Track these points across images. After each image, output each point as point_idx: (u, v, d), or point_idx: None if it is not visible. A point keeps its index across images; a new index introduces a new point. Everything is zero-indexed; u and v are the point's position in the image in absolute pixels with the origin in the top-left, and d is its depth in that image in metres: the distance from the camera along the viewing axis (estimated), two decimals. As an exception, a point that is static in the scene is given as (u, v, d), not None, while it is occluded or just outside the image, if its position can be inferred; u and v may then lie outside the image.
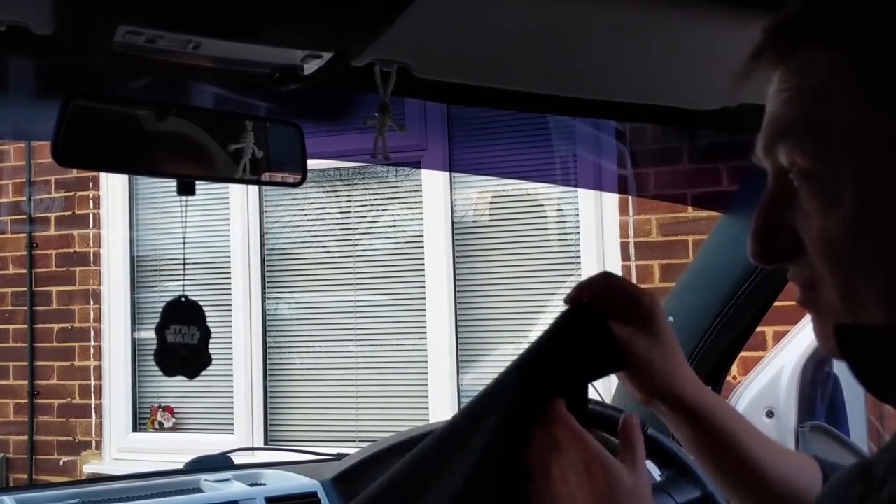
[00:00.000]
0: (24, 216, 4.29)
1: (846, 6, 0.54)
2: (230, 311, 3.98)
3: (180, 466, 1.49)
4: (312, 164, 0.96)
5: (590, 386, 0.86)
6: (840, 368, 1.95)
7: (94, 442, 4.14)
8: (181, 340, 0.94)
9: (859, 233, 0.51)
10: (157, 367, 0.95)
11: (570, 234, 3.61)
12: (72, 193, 4.21)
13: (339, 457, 1.54)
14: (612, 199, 3.46)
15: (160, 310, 0.99)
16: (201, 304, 1.01)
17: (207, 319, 0.98)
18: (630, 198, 3.39)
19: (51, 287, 4.22)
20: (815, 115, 0.53)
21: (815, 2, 0.55)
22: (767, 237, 0.57)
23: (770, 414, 1.73)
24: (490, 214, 3.74)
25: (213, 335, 0.98)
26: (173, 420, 4.11)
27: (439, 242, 3.70)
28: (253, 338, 3.97)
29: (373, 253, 3.91)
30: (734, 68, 0.63)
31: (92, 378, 4.15)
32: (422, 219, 3.76)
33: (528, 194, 3.70)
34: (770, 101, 0.57)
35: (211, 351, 0.96)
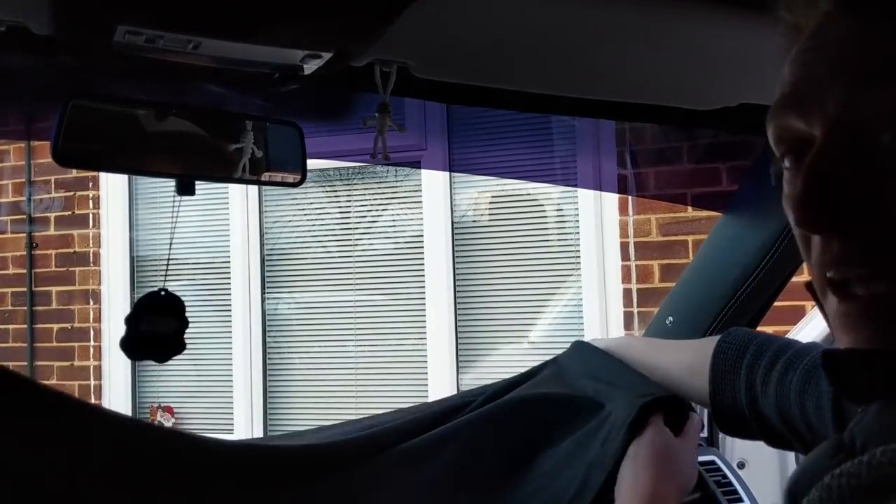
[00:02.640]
0: (24, 216, 4.29)
1: None
2: (230, 310, 3.98)
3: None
4: (312, 164, 0.96)
5: None
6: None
7: (93, 442, 4.14)
8: (153, 328, 0.94)
9: None
10: (130, 357, 0.94)
11: (570, 234, 3.61)
12: (72, 193, 4.21)
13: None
14: (612, 199, 3.47)
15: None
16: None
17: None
18: (630, 198, 3.39)
19: (50, 287, 4.22)
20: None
21: None
22: (817, 199, 0.49)
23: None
24: (490, 214, 3.74)
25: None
26: (173, 420, 4.11)
27: (439, 242, 3.70)
28: (253, 338, 3.97)
29: (373, 253, 3.91)
30: (734, 68, 0.63)
31: (92, 378, 4.15)
32: (422, 219, 3.76)
33: (528, 194, 3.70)
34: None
35: (186, 340, 0.96)
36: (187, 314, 0.94)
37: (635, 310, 3.39)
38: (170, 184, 0.90)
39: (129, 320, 0.90)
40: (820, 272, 0.52)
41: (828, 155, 0.49)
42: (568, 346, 1.25)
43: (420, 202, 3.78)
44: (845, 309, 0.50)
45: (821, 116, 0.50)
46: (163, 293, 0.93)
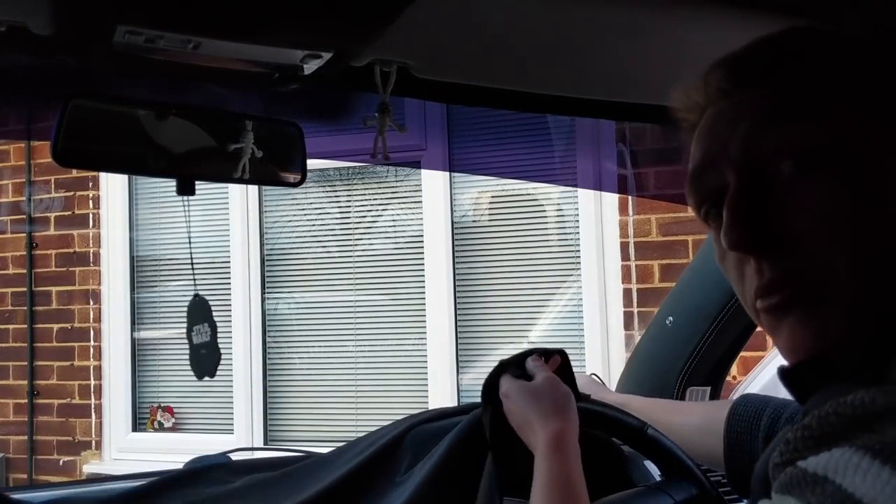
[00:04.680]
0: (24, 216, 4.29)
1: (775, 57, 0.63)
2: (230, 311, 3.97)
3: (180, 466, 1.48)
4: (312, 164, 0.96)
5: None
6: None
7: (93, 442, 4.15)
8: (200, 340, 0.93)
9: (832, 237, 0.58)
10: (191, 371, 0.93)
11: (570, 234, 3.61)
12: (72, 193, 4.21)
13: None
14: (612, 199, 3.46)
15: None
16: (206, 299, 1.00)
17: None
18: (630, 198, 3.39)
19: (50, 287, 4.22)
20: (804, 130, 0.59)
21: (754, 48, 0.64)
22: (743, 225, 0.61)
23: (770, 414, 1.73)
24: (490, 214, 3.74)
25: (217, 328, 0.98)
26: (173, 420, 4.11)
27: (439, 242, 3.70)
28: (253, 338, 3.97)
29: (373, 253, 3.91)
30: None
31: (92, 378, 4.15)
32: (422, 219, 3.76)
33: (528, 194, 3.70)
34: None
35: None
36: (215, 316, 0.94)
37: (635, 310, 3.39)
38: (170, 184, 0.90)
39: (188, 335, 0.90)
40: (755, 297, 0.61)
41: (743, 188, 0.60)
42: (566, 347, 1.25)
43: (420, 202, 3.78)
44: (779, 324, 0.60)
45: (731, 164, 0.61)
46: (197, 298, 0.93)
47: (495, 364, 1.09)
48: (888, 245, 0.57)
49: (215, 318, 0.96)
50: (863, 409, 0.48)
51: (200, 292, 4.01)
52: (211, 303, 4.05)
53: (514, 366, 1.07)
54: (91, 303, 4.16)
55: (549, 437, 0.93)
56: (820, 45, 0.63)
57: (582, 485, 0.89)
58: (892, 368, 0.52)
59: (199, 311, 0.94)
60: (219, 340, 0.96)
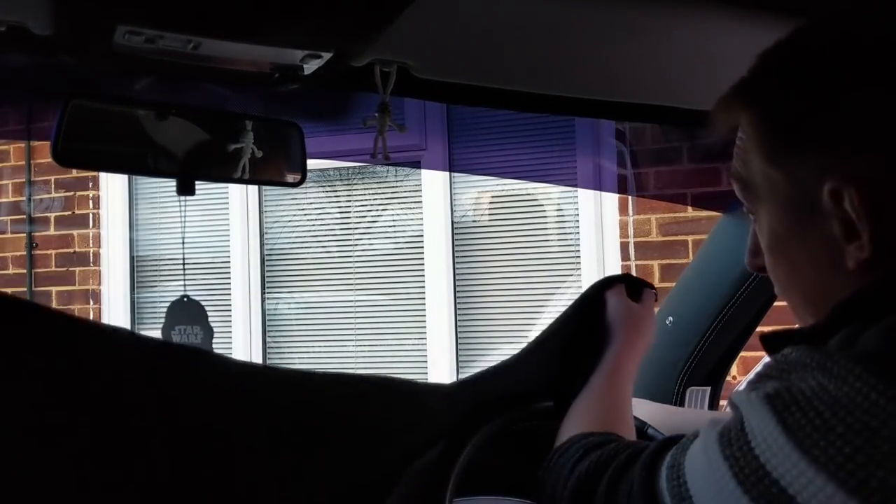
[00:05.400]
0: (24, 216, 4.29)
1: (761, 76, 0.71)
2: (230, 310, 3.98)
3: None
4: (312, 164, 0.96)
5: None
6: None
7: (93, 442, 4.15)
8: (186, 340, 0.93)
9: (775, 258, 0.73)
10: None
11: (569, 234, 3.62)
12: (71, 193, 4.21)
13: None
14: (612, 199, 3.46)
15: (161, 310, 0.99)
16: (202, 304, 1.00)
17: (210, 318, 0.97)
18: (630, 198, 3.39)
19: (51, 287, 4.22)
20: (740, 166, 0.73)
21: (754, 70, 0.71)
22: (751, 253, 0.78)
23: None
24: (490, 214, 3.74)
25: (213, 335, 0.98)
26: (173, 420, 4.11)
27: (439, 242, 3.70)
28: (253, 338, 3.97)
29: (373, 253, 3.91)
30: (734, 68, 0.64)
31: (92, 378, 4.14)
32: (422, 219, 3.76)
33: (528, 194, 3.70)
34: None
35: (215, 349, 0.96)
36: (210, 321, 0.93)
37: (635, 310, 3.39)
38: (170, 184, 0.90)
39: (165, 333, 0.90)
40: None
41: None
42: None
43: (420, 202, 3.78)
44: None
45: None
46: (185, 300, 0.93)
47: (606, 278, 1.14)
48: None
49: (211, 323, 0.95)
50: (784, 360, 0.62)
51: (200, 293, 4.01)
52: (211, 303, 4.04)
53: (627, 285, 1.11)
54: (91, 303, 4.16)
55: (620, 354, 1.04)
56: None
57: (629, 396, 1.01)
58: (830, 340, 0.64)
59: (186, 313, 0.94)
60: (213, 344, 0.95)
